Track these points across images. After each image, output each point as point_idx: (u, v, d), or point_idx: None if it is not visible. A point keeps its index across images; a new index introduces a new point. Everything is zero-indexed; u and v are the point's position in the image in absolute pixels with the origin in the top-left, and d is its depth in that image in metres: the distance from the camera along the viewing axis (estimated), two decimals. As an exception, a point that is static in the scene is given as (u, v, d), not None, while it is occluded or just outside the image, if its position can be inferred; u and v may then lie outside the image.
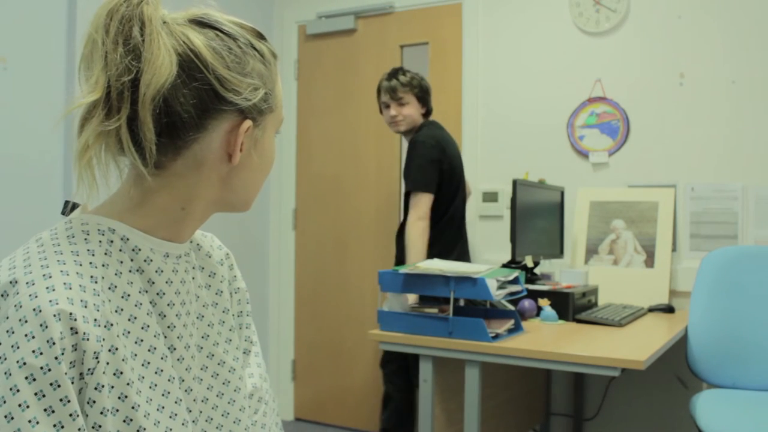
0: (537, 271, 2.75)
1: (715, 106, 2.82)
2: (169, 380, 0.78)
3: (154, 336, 0.77)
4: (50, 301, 0.66)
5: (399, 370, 2.81)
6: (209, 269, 0.93)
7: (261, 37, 0.84)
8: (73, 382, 0.66)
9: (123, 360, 0.71)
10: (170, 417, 0.76)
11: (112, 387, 0.70)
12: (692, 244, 2.83)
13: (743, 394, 2.29)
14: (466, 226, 2.92)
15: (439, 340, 1.97)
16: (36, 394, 0.63)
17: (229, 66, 0.78)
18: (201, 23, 0.79)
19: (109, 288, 0.74)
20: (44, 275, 0.68)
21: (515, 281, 2.06)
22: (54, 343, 0.65)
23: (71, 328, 0.66)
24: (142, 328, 0.76)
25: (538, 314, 2.38)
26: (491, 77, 3.26)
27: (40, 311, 0.65)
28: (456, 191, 2.81)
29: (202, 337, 0.87)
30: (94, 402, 0.68)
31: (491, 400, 2.37)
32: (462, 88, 3.32)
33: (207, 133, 0.78)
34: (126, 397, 0.71)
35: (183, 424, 0.78)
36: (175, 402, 0.78)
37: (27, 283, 0.68)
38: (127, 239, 0.78)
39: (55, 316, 0.65)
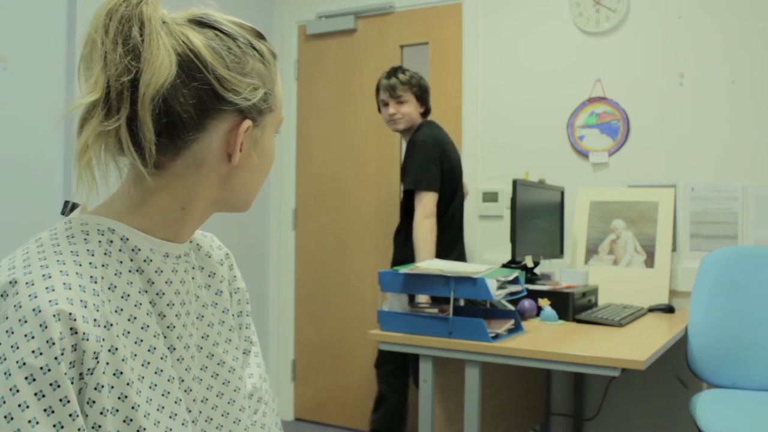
0: (537, 271, 2.75)
1: (715, 106, 2.82)
2: (168, 380, 0.78)
3: (154, 336, 0.77)
4: (50, 301, 0.66)
5: (395, 370, 2.80)
6: (209, 269, 0.93)
7: (260, 36, 0.84)
8: (72, 383, 0.66)
9: (123, 360, 0.71)
10: (170, 417, 0.76)
11: (112, 387, 0.70)
12: (692, 244, 2.83)
13: (743, 394, 2.29)
14: (463, 227, 2.93)
15: (439, 340, 1.97)
16: (36, 394, 0.63)
17: (229, 66, 0.78)
18: (200, 23, 0.79)
19: (109, 288, 0.74)
20: (44, 275, 0.68)
21: (515, 281, 2.06)
22: (54, 344, 0.65)
23: (71, 329, 0.66)
24: (142, 328, 0.76)
25: (538, 314, 2.38)
26: (491, 77, 3.26)
27: (40, 311, 0.65)
28: (455, 191, 2.82)
29: (202, 337, 0.87)
30: (94, 402, 0.68)
31: (491, 400, 2.37)
32: (462, 88, 3.32)
33: (206, 133, 0.78)
34: (126, 397, 0.71)
35: (183, 424, 0.78)
36: (175, 402, 0.78)
37: (26, 283, 0.68)
38: (127, 239, 0.78)
39: (54, 316, 0.65)
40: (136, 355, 0.75)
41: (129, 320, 0.75)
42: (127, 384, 0.71)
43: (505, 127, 3.22)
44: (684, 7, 2.88)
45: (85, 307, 0.69)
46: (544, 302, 2.38)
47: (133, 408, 0.71)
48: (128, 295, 0.75)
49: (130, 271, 0.77)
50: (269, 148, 0.86)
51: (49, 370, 0.64)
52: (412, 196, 2.73)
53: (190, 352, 0.83)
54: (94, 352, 0.68)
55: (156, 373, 0.76)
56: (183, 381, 0.81)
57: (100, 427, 0.68)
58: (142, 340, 0.76)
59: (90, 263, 0.73)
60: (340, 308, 3.66)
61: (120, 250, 0.77)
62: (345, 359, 3.62)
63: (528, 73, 3.18)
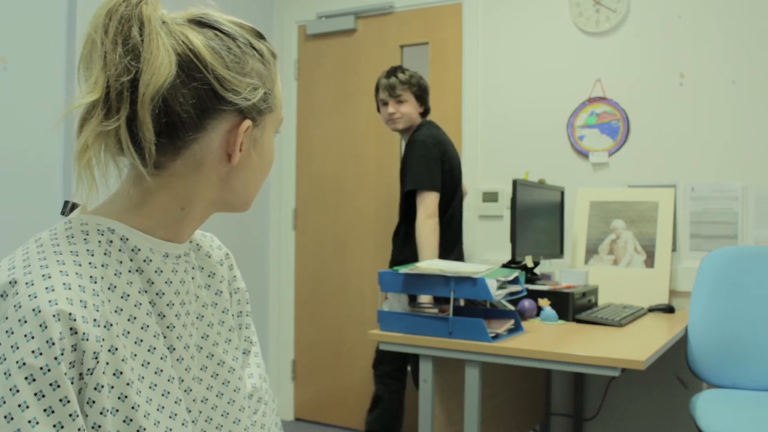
0: (537, 271, 2.75)
1: (715, 106, 2.82)
2: (168, 380, 0.78)
3: (154, 336, 0.77)
4: (50, 301, 0.66)
5: (393, 371, 2.78)
6: (209, 269, 0.93)
7: (260, 36, 0.84)
8: (72, 383, 0.66)
9: (123, 360, 0.71)
10: (170, 417, 0.76)
11: (112, 387, 0.70)
12: (692, 244, 2.83)
13: (743, 394, 2.29)
14: (462, 227, 2.93)
15: (439, 340, 1.97)
16: (36, 394, 0.63)
17: (229, 66, 0.78)
18: (200, 23, 0.79)
19: (109, 288, 0.74)
20: (43, 275, 0.68)
21: (515, 281, 2.06)
22: (53, 344, 0.65)
23: (71, 329, 0.66)
24: (142, 328, 0.76)
25: (538, 314, 2.38)
26: (491, 77, 3.26)
27: (40, 311, 0.65)
28: (455, 192, 2.82)
29: (202, 337, 0.87)
30: (94, 402, 0.68)
31: (491, 400, 2.37)
32: (462, 88, 3.32)
33: (206, 133, 0.78)
34: (126, 397, 0.71)
35: (183, 424, 0.78)
36: (175, 402, 0.78)
37: (26, 283, 0.68)
38: (127, 239, 0.78)
39: (54, 316, 0.65)
40: (136, 355, 0.75)
41: (129, 320, 0.75)
42: (127, 384, 0.71)
43: (505, 127, 3.22)
44: (684, 7, 2.88)
45: (85, 307, 0.69)
46: (544, 302, 2.38)
47: (133, 408, 0.71)
48: (128, 295, 0.75)
49: (129, 271, 0.77)
50: (269, 148, 0.86)
51: (49, 370, 0.64)
52: (412, 197, 2.73)
53: (190, 352, 0.83)
54: (94, 352, 0.68)
55: (156, 373, 0.76)
56: (183, 381, 0.81)
57: (100, 427, 0.68)
58: (142, 340, 0.76)
59: (90, 263, 0.73)
60: (340, 308, 3.66)
61: (120, 250, 0.77)
62: (345, 359, 3.62)
63: (528, 73, 3.18)
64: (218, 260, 0.95)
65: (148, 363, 0.76)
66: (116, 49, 0.72)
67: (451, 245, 2.79)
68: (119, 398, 0.70)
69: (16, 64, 2.54)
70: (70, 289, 0.68)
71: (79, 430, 0.65)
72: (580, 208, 2.97)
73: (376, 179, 3.57)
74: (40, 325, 0.65)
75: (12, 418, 0.62)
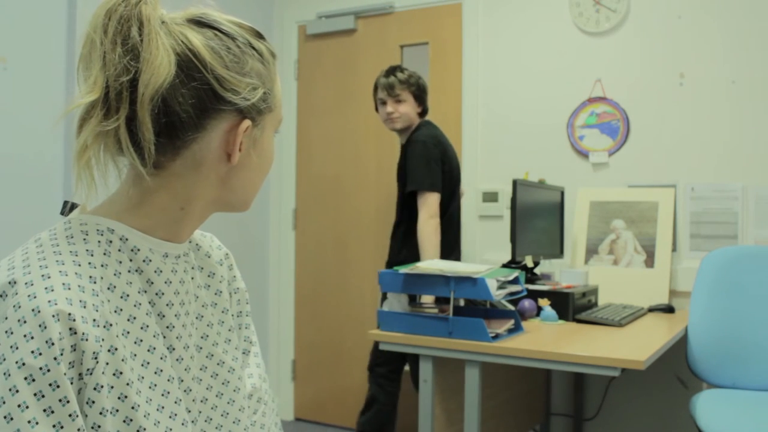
0: (537, 271, 2.75)
1: (715, 106, 2.82)
2: (168, 380, 0.78)
3: (153, 336, 0.77)
4: (49, 301, 0.66)
5: (389, 373, 2.76)
6: (208, 269, 0.93)
7: (260, 36, 0.84)
8: (72, 383, 0.66)
9: (122, 360, 0.71)
10: (170, 417, 0.76)
11: (112, 387, 0.70)
12: (692, 244, 2.83)
13: (743, 394, 2.29)
14: (461, 228, 2.92)
15: (439, 340, 1.97)
16: (35, 394, 0.63)
17: (228, 66, 0.78)
18: (199, 23, 0.79)
19: (108, 288, 0.74)
20: (43, 276, 0.68)
21: (515, 281, 2.06)
22: (53, 344, 0.64)
23: (70, 329, 0.66)
24: (141, 328, 0.76)
25: (538, 314, 2.38)
26: (491, 77, 3.26)
27: (39, 312, 0.65)
28: (454, 192, 2.81)
29: (202, 338, 0.87)
30: (94, 402, 0.68)
31: (491, 400, 2.37)
32: (462, 88, 3.32)
33: (206, 132, 0.78)
34: (126, 397, 0.71)
35: (182, 424, 0.78)
36: (175, 402, 0.78)
37: (26, 283, 0.67)
38: (126, 239, 0.78)
39: (53, 316, 0.65)
40: (135, 355, 0.75)
41: (128, 320, 0.75)
42: (127, 384, 0.71)
43: (505, 127, 3.22)
44: (684, 7, 2.88)
45: (84, 307, 0.69)
46: (544, 302, 2.38)
47: (132, 408, 0.71)
48: (127, 295, 0.75)
49: (129, 271, 0.77)
50: (268, 147, 0.86)
51: (49, 370, 0.64)
52: (412, 197, 2.72)
53: (190, 352, 0.83)
54: (94, 353, 0.68)
55: (155, 373, 0.76)
56: (182, 381, 0.81)
57: (99, 427, 0.68)
58: (141, 340, 0.76)
59: (89, 263, 0.73)
60: (340, 308, 3.66)
61: (119, 250, 0.77)
62: (345, 359, 3.62)
63: (528, 73, 3.18)
64: (218, 260, 0.95)
65: (148, 363, 0.76)
66: (115, 48, 0.72)
67: (450, 246, 2.78)
68: (119, 398, 0.70)
69: (16, 64, 2.54)
70: (69, 289, 0.68)
71: (78, 430, 0.65)
72: (580, 208, 2.97)
73: (376, 179, 3.57)
74: (40, 326, 0.65)
75: (12, 419, 0.62)
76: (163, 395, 0.76)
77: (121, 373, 0.71)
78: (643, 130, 2.95)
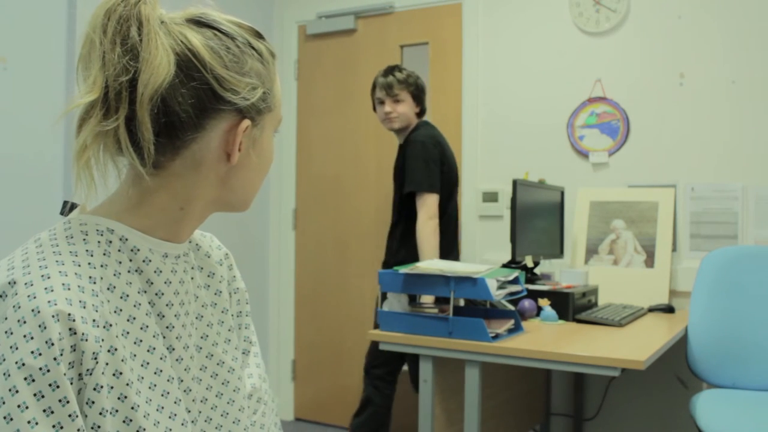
0: (537, 271, 2.75)
1: (715, 106, 2.82)
2: (168, 380, 0.78)
3: (153, 336, 0.77)
4: (49, 301, 0.66)
5: (386, 375, 2.74)
6: (208, 269, 0.93)
7: (259, 36, 0.84)
8: (72, 383, 0.66)
9: (122, 360, 0.71)
10: (170, 417, 0.76)
11: (112, 387, 0.70)
12: (692, 244, 2.83)
13: (743, 394, 2.29)
14: (458, 228, 2.91)
15: (439, 340, 1.97)
16: (35, 394, 0.63)
17: (227, 65, 0.78)
18: (199, 23, 0.79)
19: (108, 288, 0.74)
20: (43, 276, 0.68)
21: (515, 281, 2.06)
22: (53, 344, 0.64)
23: (70, 329, 0.66)
24: (141, 328, 0.76)
25: (538, 314, 2.38)
26: (491, 77, 3.26)
27: (39, 312, 0.65)
28: (452, 193, 2.80)
29: (201, 338, 0.87)
30: (93, 402, 0.68)
31: (491, 400, 2.37)
32: (462, 88, 3.32)
33: (205, 132, 0.78)
34: (125, 397, 0.71)
35: (182, 424, 0.78)
36: (175, 402, 0.78)
37: (25, 283, 0.67)
38: (126, 239, 0.78)
39: (53, 316, 0.65)
40: (135, 355, 0.75)
41: (128, 320, 0.75)
42: (127, 384, 0.71)
43: (505, 128, 3.22)
44: (684, 7, 2.88)
45: (84, 307, 0.69)
46: (544, 302, 2.38)
47: (132, 408, 0.71)
48: (127, 296, 0.75)
49: (129, 272, 0.77)
50: (268, 147, 0.86)
51: (49, 370, 0.64)
52: (409, 198, 2.71)
53: (189, 353, 0.83)
54: (93, 353, 0.68)
55: (155, 373, 0.76)
56: (182, 381, 0.81)
57: (99, 427, 0.68)
58: (141, 341, 0.76)
59: (89, 263, 0.73)
60: (340, 308, 3.66)
61: (119, 251, 0.77)
62: (345, 359, 3.62)
63: (528, 73, 3.18)
64: (218, 260, 0.95)
65: (148, 363, 0.76)
66: (115, 48, 0.72)
67: (448, 247, 2.78)
68: (119, 398, 0.70)
69: (16, 64, 2.54)
70: (69, 289, 0.68)
71: (78, 430, 0.65)
72: (580, 208, 2.97)
73: (376, 179, 3.57)
74: (40, 326, 0.65)
75: (11, 419, 0.62)
76: (162, 395, 0.76)
77: (120, 373, 0.71)
78: (643, 130, 2.95)
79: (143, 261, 0.78)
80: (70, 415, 0.65)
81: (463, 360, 1.96)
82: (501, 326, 2.02)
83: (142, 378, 0.75)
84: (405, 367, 2.85)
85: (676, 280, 2.82)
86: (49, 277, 0.68)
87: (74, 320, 0.66)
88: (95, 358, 0.68)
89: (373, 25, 3.60)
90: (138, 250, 0.78)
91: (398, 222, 2.79)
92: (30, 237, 0.77)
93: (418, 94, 2.80)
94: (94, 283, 0.72)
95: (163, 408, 0.76)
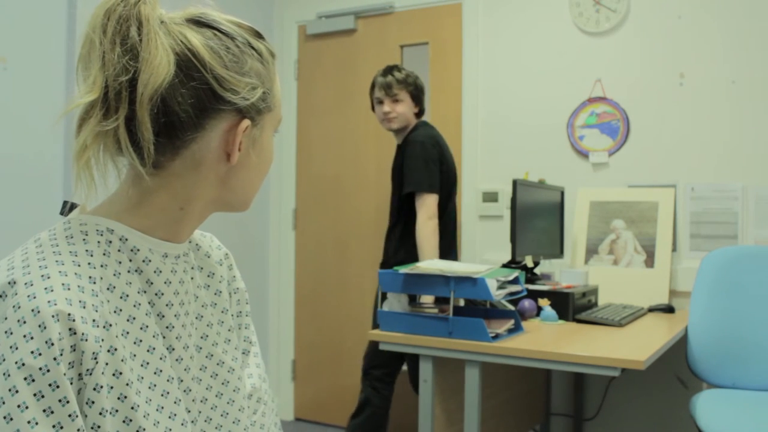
0: (537, 271, 2.74)
1: (715, 106, 2.82)
2: (168, 380, 0.78)
3: (153, 336, 0.77)
4: (48, 301, 0.66)
5: (385, 376, 2.73)
6: (208, 269, 0.93)
7: (259, 36, 0.84)
8: (72, 383, 0.66)
9: (122, 360, 0.71)
10: (169, 417, 0.76)
11: (111, 387, 0.70)
12: (692, 244, 2.83)
13: (743, 394, 2.29)
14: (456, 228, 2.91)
15: (439, 340, 1.97)
16: (35, 394, 0.63)
17: (227, 65, 0.77)
18: (199, 23, 0.79)
19: (108, 288, 0.74)
20: (42, 276, 0.68)
21: (515, 281, 2.06)
22: (53, 344, 0.64)
23: (70, 329, 0.66)
24: (141, 328, 0.76)
25: (538, 314, 2.38)
26: (491, 77, 3.26)
27: (39, 312, 0.65)
28: (450, 193, 2.80)
29: (201, 338, 0.87)
30: (93, 402, 0.68)
31: (491, 400, 2.37)
32: (462, 89, 3.32)
33: (205, 132, 0.78)
34: (125, 397, 0.71)
35: (182, 424, 0.78)
36: (175, 402, 0.78)
37: (25, 283, 0.67)
38: (126, 239, 0.78)
39: (53, 316, 0.65)
40: (135, 355, 0.75)
41: (128, 320, 0.75)
42: (127, 384, 0.71)
43: (505, 128, 3.22)
44: (684, 7, 2.88)
45: (84, 307, 0.69)
46: (544, 302, 2.38)
47: (132, 408, 0.71)
48: (127, 296, 0.75)
49: (129, 272, 0.77)
50: (268, 147, 0.86)
51: (48, 370, 0.64)
52: (409, 198, 2.71)
53: (189, 353, 0.83)
54: (93, 353, 0.68)
55: (155, 373, 0.76)
56: (182, 381, 0.81)
57: (99, 427, 0.68)
58: (141, 341, 0.76)
59: (89, 263, 0.73)
60: (340, 308, 3.66)
61: (119, 251, 0.77)
62: (345, 359, 3.62)
63: (528, 73, 3.18)
64: (217, 260, 0.95)
65: (148, 363, 0.76)
66: (114, 48, 0.72)
67: (447, 247, 2.77)
68: (119, 398, 0.70)
69: (16, 64, 2.54)
70: (69, 289, 0.68)
71: (78, 430, 0.65)
72: (580, 208, 2.97)
73: (376, 179, 3.57)
74: (39, 326, 0.65)
75: (11, 419, 0.62)
76: (162, 395, 0.76)
77: (120, 373, 0.71)
78: (643, 130, 2.95)
79: (143, 261, 0.78)
80: (70, 415, 0.65)
81: (463, 360, 1.96)
82: (501, 326, 2.02)
83: (142, 378, 0.75)
84: (404, 367, 2.85)
85: (676, 280, 2.82)
86: (49, 277, 0.68)
87: (74, 320, 0.66)
88: (95, 358, 0.68)
89: (373, 25, 3.60)
90: (138, 250, 0.78)
91: (397, 223, 2.78)
92: (30, 237, 0.77)
93: (417, 94, 2.79)
94: (94, 283, 0.72)
95: (162, 408, 0.76)
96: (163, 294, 0.80)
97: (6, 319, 0.66)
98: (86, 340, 0.67)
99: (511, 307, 2.20)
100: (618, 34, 3.00)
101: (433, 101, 3.41)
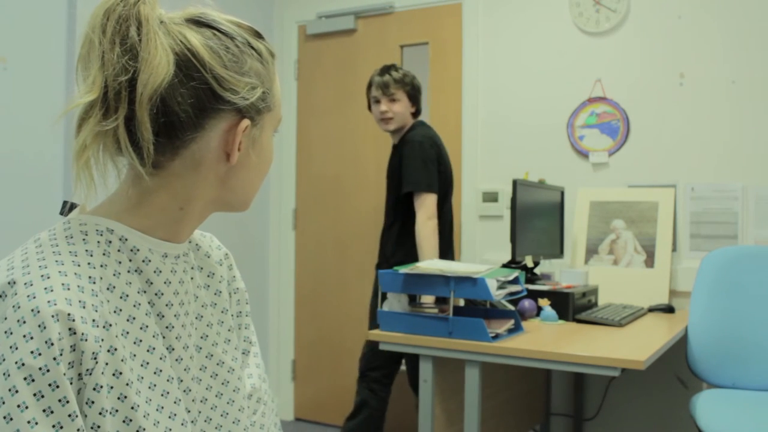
0: (537, 271, 2.74)
1: (715, 106, 2.82)
2: (168, 380, 0.78)
3: (153, 336, 0.77)
4: (48, 301, 0.66)
5: (382, 378, 2.72)
6: (208, 269, 0.92)
7: (258, 36, 0.84)
8: (71, 383, 0.66)
9: (122, 360, 0.71)
10: (169, 417, 0.76)
11: (111, 387, 0.70)
12: (692, 244, 2.83)
13: (743, 394, 2.29)
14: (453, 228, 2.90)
15: (439, 340, 1.97)
16: (35, 394, 0.63)
17: (227, 65, 0.77)
18: (198, 22, 0.79)
19: (108, 288, 0.74)
20: (42, 276, 0.68)
21: (515, 281, 2.06)
22: (52, 344, 0.64)
23: (69, 329, 0.66)
24: (141, 328, 0.76)
25: (538, 314, 2.38)
26: (491, 77, 3.26)
27: (39, 312, 0.65)
28: (446, 194, 2.79)
29: (201, 338, 0.87)
30: (93, 402, 0.68)
31: (491, 400, 2.37)
32: (462, 89, 3.32)
33: (205, 132, 0.78)
34: (125, 397, 0.71)
35: (182, 424, 0.78)
36: (174, 402, 0.78)
37: (25, 283, 0.67)
38: (126, 239, 0.78)
39: (53, 316, 0.65)
40: (135, 355, 0.75)
41: (128, 320, 0.75)
42: (127, 384, 0.71)
43: (505, 128, 3.22)
44: (684, 7, 2.88)
45: (84, 307, 0.69)
46: (544, 302, 2.38)
47: (132, 408, 0.71)
48: (127, 296, 0.75)
49: (128, 272, 0.77)
50: (268, 147, 0.86)
51: (48, 370, 0.64)
52: (407, 198, 2.70)
53: (189, 353, 0.83)
54: (93, 353, 0.68)
55: (155, 373, 0.76)
56: (182, 381, 0.81)
57: (99, 427, 0.68)
58: (141, 341, 0.76)
59: (89, 263, 0.73)
60: (340, 308, 3.66)
61: (119, 251, 0.77)
62: (345, 359, 3.62)
63: (528, 73, 3.18)
64: (217, 260, 0.95)
65: (148, 363, 0.76)
66: (114, 48, 0.72)
67: (445, 247, 2.77)
68: (118, 398, 0.70)
69: (16, 64, 2.54)
70: (68, 289, 0.68)
71: (78, 430, 0.65)
72: (580, 208, 2.97)
73: (376, 179, 3.57)
74: (39, 326, 0.65)
75: (11, 419, 0.62)
76: (162, 395, 0.76)
77: (120, 373, 0.71)
78: (643, 130, 2.95)
79: (143, 261, 0.78)
80: (69, 415, 0.65)
81: (463, 360, 1.96)
82: (501, 326, 2.02)
83: (142, 378, 0.75)
84: (402, 368, 2.84)
85: (676, 280, 2.82)
86: (48, 277, 0.68)
87: (74, 320, 0.66)
88: (95, 358, 0.68)
89: (373, 25, 3.60)
90: (137, 250, 0.78)
91: (393, 223, 2.77)
92: (30, 237, 0.77)
93: (414, 94, 2.78)
94: (94, 283, 0.72)
95: (162, 408, 0.76)
96: (162, 294, 0.80)
97: (6, 319, 0.66)
98: (86, 340, 0.67)
99: (511, 307, 2.20)
100: (618, 34, 3.00)
101: (433, 101, 3.41)
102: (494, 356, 1.90)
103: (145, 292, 0.78)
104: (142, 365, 0.75)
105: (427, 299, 2.42)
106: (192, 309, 0.86)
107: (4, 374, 0.63)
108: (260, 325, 3.77)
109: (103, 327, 0.70)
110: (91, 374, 0.67)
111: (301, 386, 3.79)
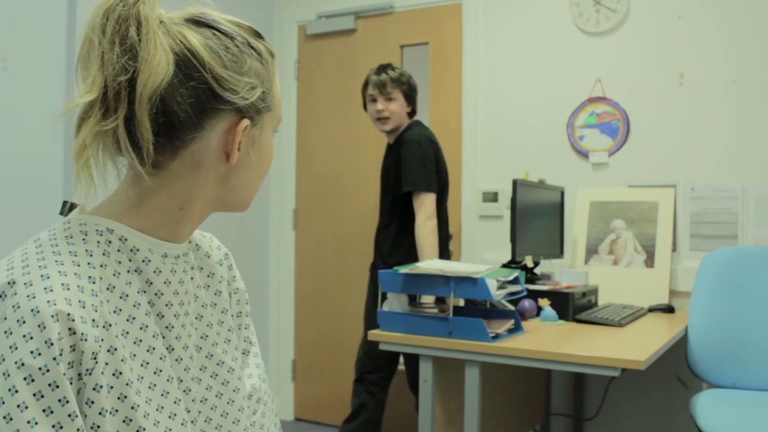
0: (537, 271, 2.74)
1: (715, 106, 2.82)
2: (168, 380, 0.78)
3: (153, 336, 0.77)
4: (48, 301, 0.66)
5: (380, 380, 2.72)
6: (208, 269, 0.92)
7: (258, 36, 0.84)
8: (71, 383, 0.66)
9: (122, 360, 0.71)
10: (169, 417, 0.76)
11: (111, 387, 0.70)
12: (692, 244, 2.83)
13: (743, 394, 2.29)
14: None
15: (439, 340, 1.97)
16: (35, 394, 0.63)
17: (227, 65, 0.77)
18: (198, 22, 0.79)
19: (108, 288, 0.74)
20: (42, 276, 0.68)
21: (515, 281, 2.06)
22: (52, 344, 0.64)
23: (69, 329, 0.66)
24: (141, 328, 0.76)
25: (538, 314, 2.38)
26: (491, 77, 3.26)
27: (38, 312, 0.65)
28: (443, 193, 2.79)
29: (201, 338, 0.87)
30: (93, 402, 0.68)
31: (491, 400, 2.37)
32: (462, 89, 3.32)
33: (204, 132, 0.78)
34: (125, 397, 0.71)
35: (182, 424, 0.78)
36: (174, 402, 0.78)
37: (25, 283, 0.67)
38: (126, 239, 0.78)
39: (53, 316, 0.65)
40: (135, 355, 0.75)
41: (128, 320, 0.75)
42: (127, 384, 0.71)
43: (505, 128, 3.22)
44: (684, 7, 2.88)
45: (84, 307, 0.69)
46: (544, 302, 2.38)
47: (132, 408, 0.71)
48: (127, 296, 0.75)
49: (128, 272, 0.77)
50: (267, 147, 0.86)
51: (48, 370, 0.64)
52: (405, 198, 2.69)
53: (189, 353, 0.83)
54: (93, 353, 0.68)
55: (155, 373, 0.76)
56: (182, 381, 0.81)
57: (99, 427, 0.68)
58: (141, 340, 0.76)
59: (88, 263, 0.73)
60: (339, 308, 3.66)
61: (118, 251, 0.77)
62: (345, 359, 3.62)
63: (528, 73, 3.18)
64: (217, 260, 0.95)
65: (147, 363, 0.76)
66: (114, 48, 0.72)
67: (444, 246, 2.77)
68: (118, 398, 0.70)
69: (16, 64, 2.54)
70: (68, 289, 0.68)
71: (78, 430, 0.65)
72: (580, 208, 2.97)
73: (376, 179, 3.55)
74: (39, 326, 0.65)
75: (11, 419, 0.62)
76: (162, 395, 0.76)
77: (120, 373, 0.71)
78: (643, 130, 2.95)
79: (143, 261, 0.78)
80: (69, 415, 0.65)
81: (463, 360, 1.96)
82: (501, 326, 2.02)
83: (142, 378, 0.75)
84: (401, 368, 2.84)
85: (676, 280, 2.82)
86: (48, 277, 0.68)
87: (73, 320, 0.66)
88: (95, 358, 0.68)
89: (373, 25, 3.60)
90: (137, 250, 0.78)
91: (390, 223, 2.75)
92: (30, 237, 0.77)
93: (410, 94, 2.78)
94: (94, 283, 0.72)
95: (162, 408, 0.76)
96: (162, 294, 0.80)
97: (5, 319, 0.66)
98: (86, 340, 0.67)
99: (511, 307, 2.20)
100: (618, 34, 3.00)
101: (433, 101, 3.41)
102: (494, 356, 1.90)
103: (144, 292, 0.78)
104: (142, 365, 0.75)
105: (427, 299, 2.42)
106: (192, 309, 0.86)
107: (3, 374, 0.63)
108: (260, 325, 3.77)
109: (103, 327, 0.70)
110: (90, 374, 0.67)
111: (301, 386, 3.79)
